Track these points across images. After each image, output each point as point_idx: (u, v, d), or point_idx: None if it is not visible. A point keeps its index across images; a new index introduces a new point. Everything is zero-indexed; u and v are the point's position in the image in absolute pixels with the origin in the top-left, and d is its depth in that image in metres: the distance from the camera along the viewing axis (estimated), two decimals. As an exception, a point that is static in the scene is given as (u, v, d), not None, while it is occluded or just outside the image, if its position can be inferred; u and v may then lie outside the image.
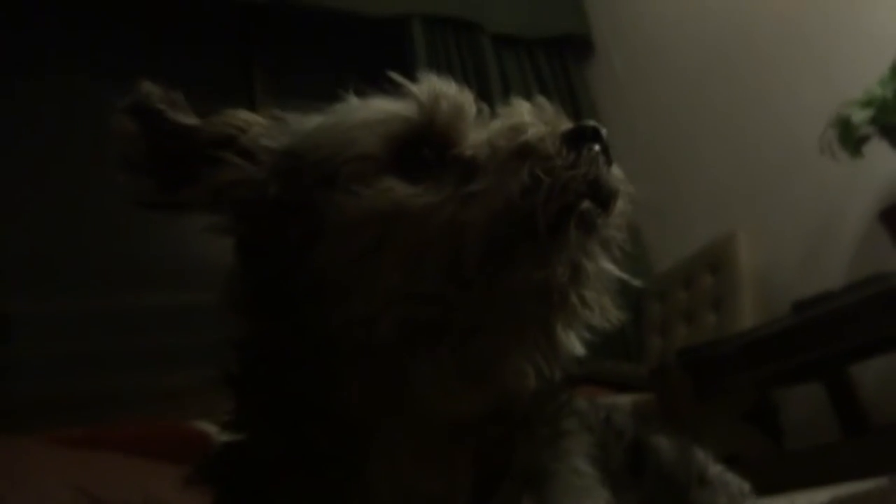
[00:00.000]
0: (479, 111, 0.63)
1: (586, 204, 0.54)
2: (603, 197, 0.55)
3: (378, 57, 3.31)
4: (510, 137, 0.56)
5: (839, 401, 2.31)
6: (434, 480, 0.57)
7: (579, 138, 0.56)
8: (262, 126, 0.64)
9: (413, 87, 0.62)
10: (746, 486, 0.99)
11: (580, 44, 3.65)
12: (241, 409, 0.61)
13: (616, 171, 0.57)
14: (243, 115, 0.64)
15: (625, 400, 2.22)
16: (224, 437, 0.61)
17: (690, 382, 2.06)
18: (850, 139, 2.06)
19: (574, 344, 0.57)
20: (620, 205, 0.57)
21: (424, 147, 0.58)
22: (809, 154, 2.19)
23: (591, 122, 0.58)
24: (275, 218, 0.59)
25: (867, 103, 2.04)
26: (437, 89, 0.61)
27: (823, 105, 2.15)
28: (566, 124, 0.58)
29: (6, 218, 2.43)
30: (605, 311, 0.58)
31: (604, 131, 0.57)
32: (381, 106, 0.61)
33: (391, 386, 0.55)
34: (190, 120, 0.62)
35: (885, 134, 2.05)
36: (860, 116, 2.03)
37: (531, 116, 0.58)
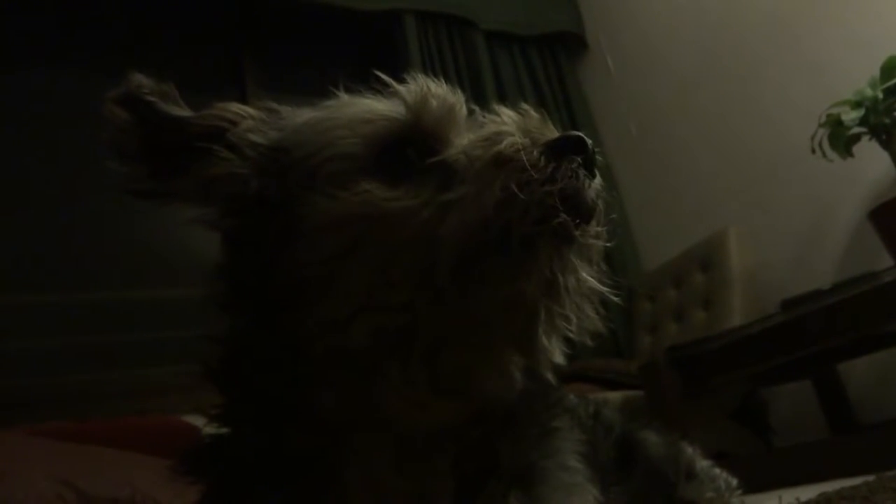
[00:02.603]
0: (471, 113, 0.62)
1: (562, 218, 0.53)
2: (582, 210, 0.54)
3: (371, 52, 3.30)
4: (487, 147, 0.55)
5: (827, 399, 2.33)
6: (413, 482, 0.56)
7: (562, 149, 0.55)
8: (253, 119, 0.63)
9: (401, 88, 0.61)
10: (734, 482, 1.00)
11: (573, 41, 3.66)
12: (226, 404, 0.61)
13: (598, 184, 0.56)
14: (235, 108, 0.63)
15: (615, 396, 2.22)
16: (210, 430, 0.61)
17: (680, 380, 2.07)
18: (840, 139, 2.07)
19: (554, 354, 0.56)
20: (600, 218, 0.56)
21: (409, 148, 0.57)
22: (800, 154, 2.20)
23: (575, 133, 0.56)
24: (257, 214, 0.59)
25: (858, 104, 2.05)
26: (426, 90, 0.60)
27: (814, 105, 2.16)
28: (551, 133, 0.56)
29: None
30: (584, 323, 0.57)
31: (589, 142, 0.56)
32: (368, 105, 0.60)
33: (362, 393, 0.55)
34: (181, 112, 0.61)
35: (874, 134, 2.06)
36: (851, 117, 2.04)
37: (513, 125, 0.57)
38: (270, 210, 0.58)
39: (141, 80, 0.60)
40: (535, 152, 0.54)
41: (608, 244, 0.58)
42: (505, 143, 0.54)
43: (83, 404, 2.13)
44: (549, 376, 0.58)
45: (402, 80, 0.62)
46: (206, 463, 0.60)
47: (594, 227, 0.55)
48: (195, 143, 0.60)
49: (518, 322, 0.54)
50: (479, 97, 3.14)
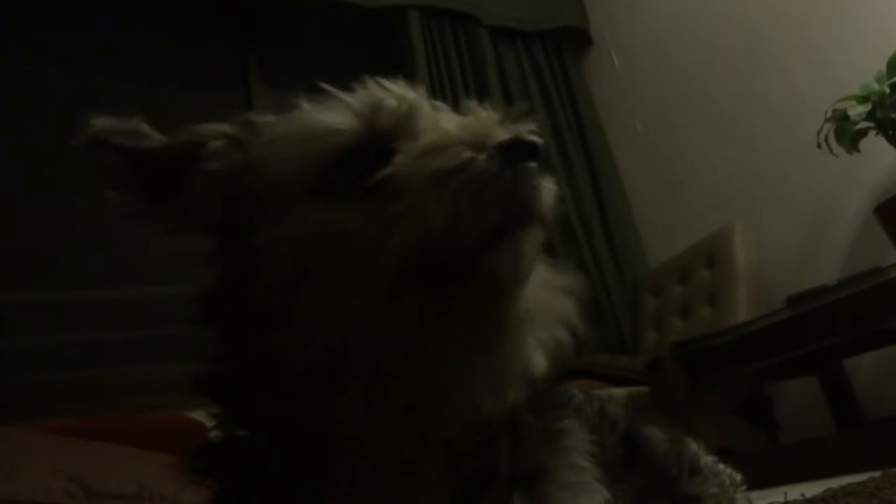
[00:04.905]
0: (436, 108, 0.59)
1: (509, 227, 0.51)
2: (530, 215, 0.52)
3: (375, 49, 3.30)
4: (429, 159, 0.52)
5: (833, 394, 2.32)
6: (400, 495, 0.56)
7: (511, 153, 0.51)
8: (224, 138, 0.62)
9: (350, 96, 0.58)
10: (739, 477, 1.00)
11: (578, 37, 3.65)
12: (221, 413, 0.61)
13: (547, 188, 0.53)
14: (205, 129, 0.63)
15: (620, 392, 2.22)
16: (215, 432, 0.61)
17: (685, 375, 2.06)
18: (846, 134, 2.07)
19: (529, 365, 0.55)
20: (545, 224, 0.54)
21: (362, 159, 0.54)
22: (806, 149, 2.19)
23: (526, 136, 0.52)
24: (224, 242, 0.60)
25: (864, 98, 2.04)
26: (378, 95, 0.58)
27: (820, 100, 2.15)
28: (499, 135, 0.52)
29: None
30: (552, 332, 0.56)
31: (540, 141, 0.52)
32: (317, 120, 0.58)
33: (329, 414, 0.54)
34: (149, 144, 0.61)
35: (881, 129, 2.06)
36: (857, 111, 2.03)
37: (459, 129, 0.54)
38: (235, 237, 0.58)
39: (100, 124, 0.60)
40: (477, 161, 0.50)
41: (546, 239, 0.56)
42: (442, 157, 0.51)
43: (90, 401, 2.14)
44: (535, 385, 0.56)
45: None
46: (210, 466, 0.60)
47: (536, 235, 0.53)
48: (172, 170, 0.60)
49: (469, 337, 0.52)
50: (483, 93, 3.13)
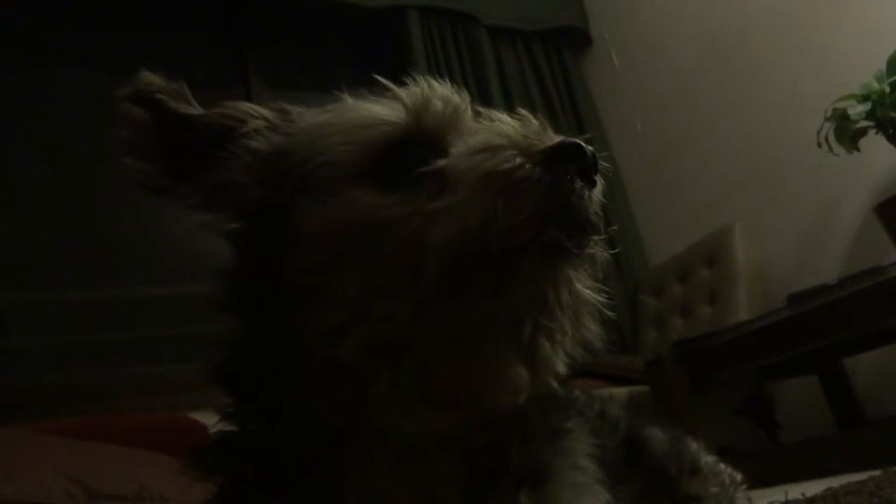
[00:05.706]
0: (477, 113, 0.61)
1: (553, 233, 0.51)
2: (577, 222, 0.53)
3: (375, 48, 3.30)
4: (478, 159, 0.53)
5: (833, 393, 2.32)
6: (414, 490, 0.56)
7: (558, 158, 0.52)
8: (262, 119, 0.63)
9: (402, 90, 0.59)
10: (739, 477, 1.00)
11: (577, 36, 3.65)
12: (235, 404, 0.61)
13: (598, 192, 0.55)
14: (245, 108, 0.63)
15: (621, 392, 2.22)
16: (222, 427, 0.61)
17: (686, 375, 2.07)
18: (846, 133, 2.06)
19: (554, 365, 0.56)
20: (598, 228, 0.55)
21: (409, 153, 0.56)
22: (806, 148, 2.19)
23: (573, 140, 0.53)
24: (258, 221, 0.59)
25: (864, 97, 2.04)
26: (428, 93, 0.59)
27: (820, 99, 2.15)
28: (549, 140, 0.54)
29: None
30: (581, 334, 0.56)
31: (588, 149, 0.53)
32: (368, 110, 0.59)
33: (354, 403, 0.54)
34: (190, 110, 0.61)
35: (881, 128, 2.05)
36: (857, 111, 2.03)
37: (509, 133, 0.55)
38: (270, 216, 0.58)
39: (150, 78, 0.60)
40: (527, 164, 0.52)
41: (608, 253, 0.57)
42: (496, 158, 0.53)
43: (91, 401, 2.14)
44: (552, 384, 0.58)
45: (406, 80, 0.61)
46: (216, 461, 0.60)
47: (591, 239, 0.54)
48: (203, 143, 0.60)
49: (506, 334, 0.53)
50: (483, 93, 3.13)
